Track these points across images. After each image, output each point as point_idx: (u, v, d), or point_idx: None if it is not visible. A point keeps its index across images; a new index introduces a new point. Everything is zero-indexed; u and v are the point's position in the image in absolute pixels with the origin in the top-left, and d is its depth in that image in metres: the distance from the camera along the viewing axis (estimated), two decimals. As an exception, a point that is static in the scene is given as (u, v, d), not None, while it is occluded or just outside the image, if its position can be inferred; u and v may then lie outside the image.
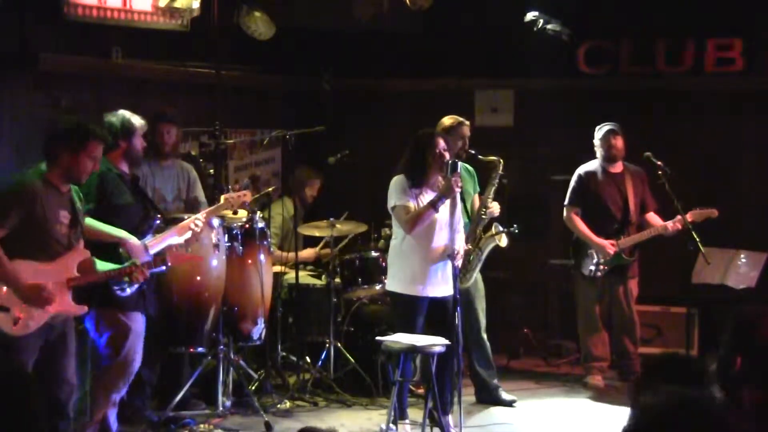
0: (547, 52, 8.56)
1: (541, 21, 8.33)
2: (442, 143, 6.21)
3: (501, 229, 6.82)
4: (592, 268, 7.58)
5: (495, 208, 6.86)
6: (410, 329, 6.10)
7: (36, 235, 4.89)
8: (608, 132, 7.56)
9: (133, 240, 5.49)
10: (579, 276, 7.75)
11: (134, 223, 5.71)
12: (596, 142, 7.64)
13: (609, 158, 7.60)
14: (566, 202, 7.72)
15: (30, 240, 4.88)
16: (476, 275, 6.95)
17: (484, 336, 7.07)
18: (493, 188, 6.87)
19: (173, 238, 5.75)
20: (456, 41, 8.96)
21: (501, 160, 6.88)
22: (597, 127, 7.63)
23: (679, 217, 7.35)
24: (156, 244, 5.62)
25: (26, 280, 4.83)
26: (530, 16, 8.35)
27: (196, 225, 5.85)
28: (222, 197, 6.24)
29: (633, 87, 8.84)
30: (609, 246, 7.49)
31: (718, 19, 8.56)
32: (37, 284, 4.83)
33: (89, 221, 5.35)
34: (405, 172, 6.22)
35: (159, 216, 5.89)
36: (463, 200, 6.76)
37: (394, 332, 6.17)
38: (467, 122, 7.00)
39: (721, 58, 8.68)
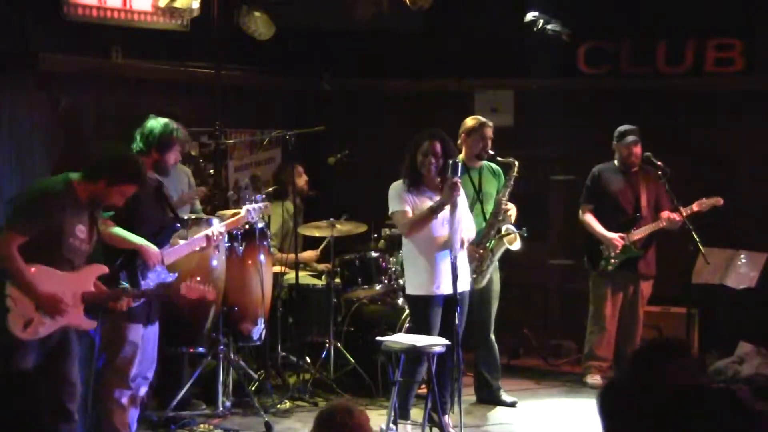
0: (547, 52, 8.56)
1: (541, 21, 8.32)
2: (427, 146, 6.15)
3: (513, 230, 6.80)
4: (603, 263, 7.60)
5: (511, 209, 6.81)
6: (428, 330, 6.06)
7: (48, 244, 4.86)
8: (630, 142, 7.57)
9: (150, 248, 5.39)
10: (592, 273, 7.75)
11: (154, 229, 5.56)
12: (615, 145, 7.65)
13: (628, 165, 7.63)
14: (581, 201, 7.74)
15: (43, 249, 4.84)
16: (494, 276, 6.93)
17: (493, 337, 7.05)
18: (508, 190, 6.83)
19: (189, 246, 5.70)
20: (456, 41, 8.96)
21: (517, 162, 6.84)
22: (619, 132, 7.63)
23: (679, 210, 7.38)
24: (172, 255, 5.56)
25: (44, 288, 4.80)
26: (530, 16, 8.34)
27: (212, 233, 5.78)
28: (244, 208, 6.19)
29: (633, 87, 8.84)
30: (617, 239, 7.53)
31: (718, 19, 8.55)
32: (54, 295, 4.80)
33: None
34: (402, 176, 6.23)
35: (178, 223, 5.76)
36: (481, 201, 6.75)
37: (407, 333, 6.12)
38: (490, 123, 6.97)
39: (721, 58, 8.67)
